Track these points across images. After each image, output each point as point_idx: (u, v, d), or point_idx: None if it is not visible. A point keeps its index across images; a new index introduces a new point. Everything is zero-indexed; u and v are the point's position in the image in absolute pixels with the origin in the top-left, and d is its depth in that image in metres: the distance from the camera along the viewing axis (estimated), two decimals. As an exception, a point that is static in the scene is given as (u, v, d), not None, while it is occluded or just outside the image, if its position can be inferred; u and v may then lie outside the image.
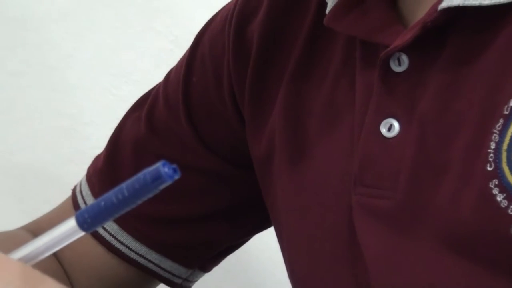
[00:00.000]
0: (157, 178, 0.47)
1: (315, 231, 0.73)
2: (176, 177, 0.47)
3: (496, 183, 0.61)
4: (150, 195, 0.48)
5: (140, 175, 0.47)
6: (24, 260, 0.51)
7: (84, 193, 0.88)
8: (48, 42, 1.17)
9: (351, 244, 0.70)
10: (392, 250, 0.67)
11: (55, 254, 0.88)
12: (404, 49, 0.67)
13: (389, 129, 0.68)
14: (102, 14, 1.17)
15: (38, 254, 0.52)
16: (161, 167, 0.46)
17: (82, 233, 0.50)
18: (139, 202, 0.48)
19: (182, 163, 0.83)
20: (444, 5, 0.63)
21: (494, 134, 0.62)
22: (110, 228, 0.86)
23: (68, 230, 0.51)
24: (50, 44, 1.17)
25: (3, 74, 1.15)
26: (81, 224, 0.50)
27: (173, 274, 0.88)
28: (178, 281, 0.88)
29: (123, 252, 0.86)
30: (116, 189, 0.48)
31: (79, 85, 1.17)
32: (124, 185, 0.48)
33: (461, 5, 0.63)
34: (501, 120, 0.62)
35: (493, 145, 0.62)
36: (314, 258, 0.74)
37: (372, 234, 0.68)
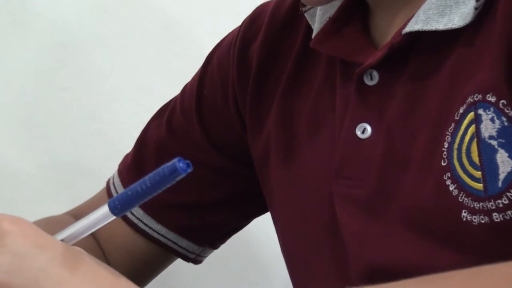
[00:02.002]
0: (174, 171, 0.47)
1: (303, 214, 0.73)
2: (189, 170, 0.47)
3: (449, 175, 0.61)
4: (168, 185, 0.48)
5: (160, 169, 0.47)
6: (66, 240, 0.50)
7: (116, 184, 0.88)
8: (88, 63, 1.17)
9: (332, 224, 0.69)
10: (365, 229, 0.67)
11: (92, 234, 0.88)
12: (375, 66, 0.66)
13: (363, 132, 0.67)
14: (132, 40, 1.17)
15: (78, 235, 0.52)
16: (177, 162, 0.46)
17: (113, 217, 0.50)
18: (159, 191, 0.48)
19: (194, 160, 0.83)
20: (407, 29, 0.63)
21: (447, 136, 0.62)
22: (137, 213, 0.85)
23: (102, 215, 0.51)
24: (90, 64, 1.17)
25: (54, 89, 1.15)
26: (113, 210, 0.50)
27: (188, 251, 0.87)
28: (192, 256, 0.88)
29: (147, 232, 0.86)
30: (141, 180, 0.48)
31: (113, 98, 1.17)
32: (147, 177, 0.48)
33: (420, 29, 0.63)
34: (453, 125, 0.61)
35: (446, 145, 0.61)
36: (302, 236, 0.73)
37: (349, 216, 0.68)
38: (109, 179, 0.89)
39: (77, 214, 0.90)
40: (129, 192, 0.49)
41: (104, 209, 0.50)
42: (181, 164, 0.47)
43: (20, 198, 1.14)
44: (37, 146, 1.16)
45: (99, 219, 0.51)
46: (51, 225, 0.85)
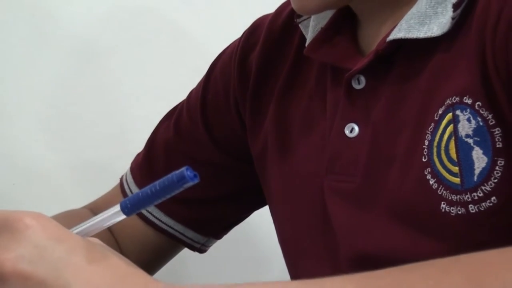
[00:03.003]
0: (182, 178, 0.46)
1: (297, 207, 0.73)
2: (196, 181, 0.46)
3: (429, 170, 0.61)
4: (177, 191, 0.47)
5: (169, 175, 0.47)
6: (81, 234, 0.50)
7: (128, 181, 0.88)
8: (104, 71, 1.17)
9: (323, 216, 0.69)
10: (353, 220, 0.66)
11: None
12: (362, 71, 0.66)
13: (351, 131, 0.67)
14: (144, 50, 1.17)
15: (92, 231, 0.51)
16: (185, 171, 0.46)
17: (124, 216, 0.50)
18: (168, 196, 0.48)
19: (199, 159, 0.84)
20: (390, 37, 0.63)
21: (428, 134, 0.61)
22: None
23: (114, 214, 0.50)
24: (105, 72, 1.17)
25: (73, 94, 1.16)
26: (124, 209, 0.49)
27: (194, 241, 0.87)
28: (197, 245, 0.88)
29: (157, 224, 0.85)
30: (151, 184, 0.48)
31: (126, 103, 1.17)
32: (157, 182, 0.48)
33: (403, 37, 0.63)
34: (432, 124, 0.61)
35: (426, 143, 0.61)
36: (296, 226, 0.73)
37: (339, 208, 0.68)
38: (122, 176, 0.89)
39: (93, 207, 0.90)
40: (140, 194, 0.48)
41: (116, 208, 0.50)
42: (188, 173, 0.46)
43: (42, 192, 1.14)
44: (57, 146, 1.16)
45: (111, 217, 0.50)
46: (70, 217, 0.85)
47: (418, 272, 0.43)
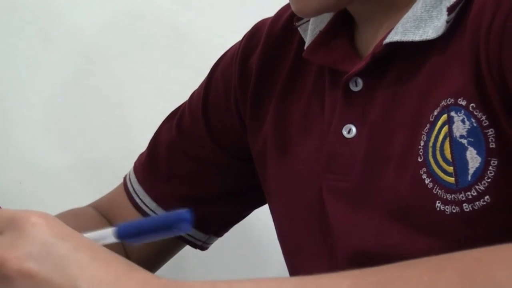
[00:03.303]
0: (179, 222, 0.46)
1: (296, 205, 0.73)
2: (189, 230, 0.46)
3: (425, 170, 0.61)
4: (168, 235, 0.47)
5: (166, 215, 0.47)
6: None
7: (132, 180, 0.88)
8: (107, 73, 1.17)
9: (322, 214, 0.69)
10: (350, 218, 0.66)
11: (108, 220, 0.88)
12: (359, 74, 0.66)
13: (348, 132, 0.67)
14: (147, 52, 1.17)
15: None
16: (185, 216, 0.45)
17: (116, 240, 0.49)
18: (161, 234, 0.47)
19: (201, 158, 0.84)
20: (387, 40, 0.63)
21: (423, 135, 0.61)
22: (151, 206, 0.85)
23: (106, 235, 0.49)
24: (109, 74, 1.17)
25: (78, 95, 1.16)
26: (117, 234, 0.49)
27: (195, 238, 0.87)
28: (199, 243, 0.88)
29: (159, 222, 0.85)
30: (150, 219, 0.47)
31: (129, 103, 1.17)
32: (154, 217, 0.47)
33: (399, 40, 0.63)
34: (428, 125, 0.61)
35: (422, 143, 0.61)
36: (295, 224, 0.73)
37: (336, 207, 0.68)
38: (126, 175, 0.89)
39: (97, 206, 0.90)
40: (136, 226, 0.48)
41: (109, 232, 0.49)
42: (187, 218, 0.46)
43: (47, 191, 1.14)
44: (62, 145, 1.16)
45: (104, 237, 0.50)
46: (75, 216, 0.86)
47: (413, 268, 0.43)
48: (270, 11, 0.83)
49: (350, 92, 0.67)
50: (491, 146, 0.58)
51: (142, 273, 0.46)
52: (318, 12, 0.67)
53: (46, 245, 0.45)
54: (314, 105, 0.72)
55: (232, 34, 0.86)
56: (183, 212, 0.46)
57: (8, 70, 1.14)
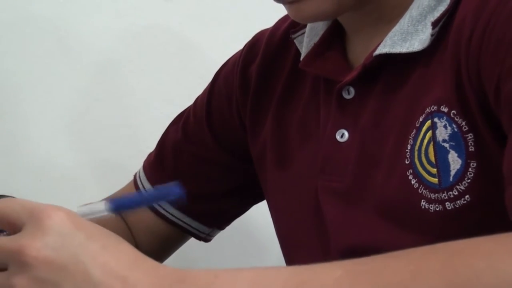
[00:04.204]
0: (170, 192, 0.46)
1: (293, 203, 0.73)
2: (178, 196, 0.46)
3: (411, 172, 0.61)
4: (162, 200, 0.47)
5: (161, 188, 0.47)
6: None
7: (141, 177, 0.88)
8: (119, 79, 1.17)
9: (317, 212, 0.69)
10: (343, 215, 0.66)
11: (122, 218, 0.88)
12: (351, 83, 0.66)
13: (341, 136, 0.67)
14: (155, 60, 1.16)
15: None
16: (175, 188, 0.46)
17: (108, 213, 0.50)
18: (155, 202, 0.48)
19: (205, 158, 0.84)
20: (376, 52, 0.63)
21: (410, 139, 0.61)
22: (159, 201, 0.85)
23: (100, 210, 0.50)
24: (120, 80, 1.17)
25: (91, 100, 1.15)
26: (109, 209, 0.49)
27: (199, 231, 0.87)
28: (203, 235, 0.88)
29: (166, 217, 0.85)
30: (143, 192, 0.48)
31: (139, 107, 1.16)
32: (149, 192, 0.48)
33: (387, 52, 0.63)
34: (414, 130, 0.61)
35: (409, 147, 0.61)
36: (292, 220, 0.73)
37: (330, 205, 0.68)
38: (135, 173, 0.89)
39: (109, 202, 0.90)
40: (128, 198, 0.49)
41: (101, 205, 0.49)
42: (177, 189, 0.47)
43: (64, 187, 1.14)
44: (77, 146, 1.16)
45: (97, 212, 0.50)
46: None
47: (400, 258, 0.43)
48: (268, 23, 0.82)
49: (343, 99, 0.67)
50: (470, 150, 0.58)
51: (149, 262, 0.46)
52: (313, 19, 0.65)
53: (62, 236, 0.45)
54: (310, 112, 0.72)
55: (234, 44, 0.86)
56: (173, 187, 0.46)
57: (29, 77, 1.13)
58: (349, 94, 0.67)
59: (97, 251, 0.45)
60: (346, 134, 0.67)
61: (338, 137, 0.67)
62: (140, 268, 0.45)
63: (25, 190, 1.03)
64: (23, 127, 1.14)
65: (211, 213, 0.86)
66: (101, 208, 0.49)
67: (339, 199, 0.66)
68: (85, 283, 0.44)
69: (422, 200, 0.60)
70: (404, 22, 0.63)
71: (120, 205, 0.49)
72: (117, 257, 0.45)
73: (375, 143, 0.64)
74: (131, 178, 0.90)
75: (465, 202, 0.58)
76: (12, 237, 0.46)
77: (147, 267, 0.45)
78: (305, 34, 0.73)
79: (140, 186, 0.87)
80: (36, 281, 0.44)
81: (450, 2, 0.60)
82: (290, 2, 0.63)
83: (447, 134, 0.59)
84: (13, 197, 0.91)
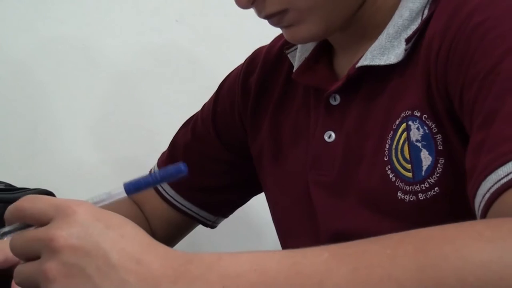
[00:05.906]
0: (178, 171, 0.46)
1: (287, 195, 0.72)
2: (184, 174, 0.46)
3: (389, 167, 0.61)
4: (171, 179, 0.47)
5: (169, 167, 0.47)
6: (97, 203, 0.49)
7: (156, 173, 0.87)
8: (135, 89, 1.17)
9: (308, 203, 0.69)
10: (331, 205, 0.66)
11: (139, 207, 0.88)
12: (337, 91, 0.66)
13: (329, 137, 0.67)
14: (167, 72, 1.17)
15: (103, 201, 0.50)
16: (181, 166, 0.46)
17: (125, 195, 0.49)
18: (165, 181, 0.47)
19: (211, 156, 0.84)
20: (359, 64, 0.63)
21: (388, 140, 0.61)
22: (170, 193, 0.85)
23: (119, 192, 0.49)
24: (137, 90, 1.17)
25: (112, 107, 1.15)
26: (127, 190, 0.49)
27: (206, 219, 0.87)
28: (209, 223, 0.88)
29: (178, 206, 0.85)
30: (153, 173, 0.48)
31: (154, 112, 1.17)
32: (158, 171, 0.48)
33: (367, 64, 0.63)
34: (391, 132, 0.61)
35: (387, 146, 0.61)
36: (287, 210, 0.73)
37: (320, 196, 0.67)
38: (151, 169, 0.89)
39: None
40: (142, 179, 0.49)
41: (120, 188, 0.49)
42: (183, 167, 0.46)
43: (88, 183, 1.13)
44: (99, 146, 1.15)
45: (117, 195, 0.50)
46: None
47: (378, 243, 0.43)
48: (266, 40, 0.82)
49: (330, 105, 0.67)
50: (439, 148, 0.58)
51: (161, 247, 0.46)
52: (306, 41, 0.66)
53: (84, 226, 0.44)
54: (302, 116, 0.72)
55: (235, 59, 0.86)
56: (180, 165, 0.46)
57: (60, 88, 1.14)
58: (336, 100, 0.67)
59: (116, 239, 0.44)
60: (333, 135, 0.67)
61: (326, 137, 0.67)
62: (153, 252, 0.44)
63: (58, 185, 1.03)
64: (56, 131, 1.14)
65: (217, 204, 0.86)
66: (119, 191, 0.49)
67: (327, 191, 0.66)
68: (106, 266, 0.43)
69: (399, 192, 0.60)
70: (382, 38, 0.63)
71: (133, 186, 0.49)
72: (133, 243, 0.44)
73: (358, 142, 0.64)
74: (147, 173, 0.89)
75: (435, 193, 0.58)
76: (42, 229, 0.45)
77: (159, 251, 0.45)
78: (298, 50, 0.73)
79: (155, 182, 0.86)
80: (65, 265, 0.44)
81: (421, 22, 0.61)
82: (286, 26, 0.63)
83: (420, 135, 0.59)
84: (51, 192, 0.91)
